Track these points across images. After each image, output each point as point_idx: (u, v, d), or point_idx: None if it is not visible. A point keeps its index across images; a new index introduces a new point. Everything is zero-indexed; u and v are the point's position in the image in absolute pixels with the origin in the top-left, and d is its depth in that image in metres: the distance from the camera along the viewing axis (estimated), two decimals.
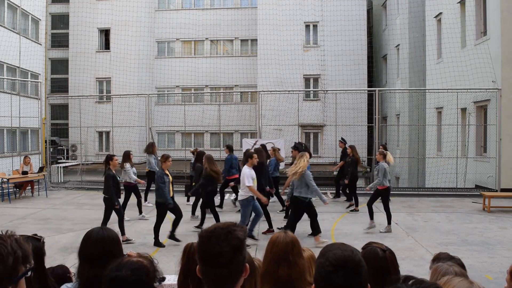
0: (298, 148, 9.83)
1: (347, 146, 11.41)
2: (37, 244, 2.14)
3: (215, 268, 1.43)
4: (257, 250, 6.94)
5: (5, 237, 1.25)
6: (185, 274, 2.30)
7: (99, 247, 2.00)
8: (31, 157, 14.07)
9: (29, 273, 1.29)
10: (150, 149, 11.30)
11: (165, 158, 7.70)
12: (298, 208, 7.47)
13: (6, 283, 1.19)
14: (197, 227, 8.43)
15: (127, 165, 9.48)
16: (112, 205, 7.68)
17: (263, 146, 10.91)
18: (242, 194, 7.51)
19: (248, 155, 7.70)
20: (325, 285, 1.39)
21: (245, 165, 7.64)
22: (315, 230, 7.53)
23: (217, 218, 8.09)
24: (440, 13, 16.20)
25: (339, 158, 12.28)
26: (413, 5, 18.64)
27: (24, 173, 12.61)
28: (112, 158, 7.87)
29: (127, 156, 9.59)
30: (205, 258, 1.45)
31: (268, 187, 9.09)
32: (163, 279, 1.72)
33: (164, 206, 7.47)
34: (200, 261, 1.47)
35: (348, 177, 10.64)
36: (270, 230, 8.17)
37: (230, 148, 10.73)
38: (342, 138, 12.24)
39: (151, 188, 11.07)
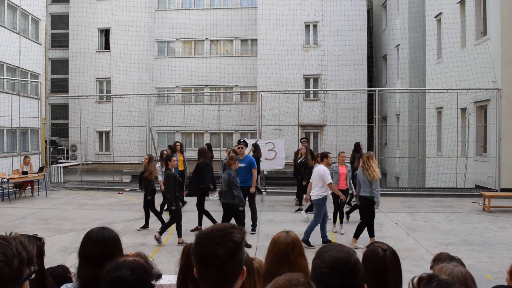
0: (245, 145, 9.58)
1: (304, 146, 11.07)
2: (37, 244, 2.14)
3: (210, 270, 1.42)
4: (257, 251, 6.95)
5: (10, 239, 1.25)
6: (184, 275, 2.30)
7: (99, 247, 2.00)
8: (31, 157, 14.07)
9: (33, 275, 1.30)
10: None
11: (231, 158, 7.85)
12: (368, 207, 7.41)
13: (11, 285, 1.19)
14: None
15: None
16: (171, 205, 7.68)
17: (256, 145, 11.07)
18: (317, 193, 7.49)
19: (323, 155, 7.77)
20: (320, 286, 1.38)
21: (321, 164, 7.69)
22: (367, 232, 7.47)
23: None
24: (440, 13, 16.20)
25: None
26: (413, 5, 18.64)
27: (24, 173, 12.60)
28: (170, 158, 7.93)
29: (161, 156, 9.83)
30: (200, 260, 1.44)
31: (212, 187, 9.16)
32: (160, 276, 1.74)
33: (232, 207, 7.45)
34: (196, 263, 1.46)
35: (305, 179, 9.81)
36: (198, 227, 8.36)
37: (172, 149, 10.90)
38: (303, 138, 12.06)
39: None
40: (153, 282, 1.66)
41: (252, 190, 8.42)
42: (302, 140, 11.58)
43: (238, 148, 8.84)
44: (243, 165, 8.50)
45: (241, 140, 9.17)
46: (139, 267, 1.62)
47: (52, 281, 2.22)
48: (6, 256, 1.18)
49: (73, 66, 23.06)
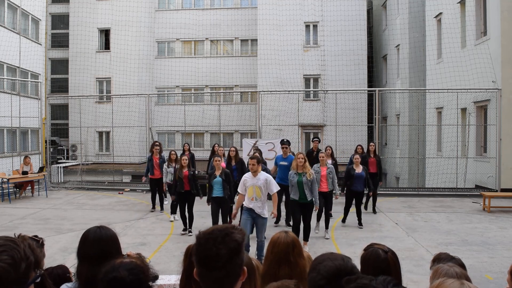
0: (289, 144, 9.59)
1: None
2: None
3: (212, 270, 1.40)
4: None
5: (18, 242, 1.23)
6: (187, 276, 2.30)
7: (97, 247, 1.99)
8: (31, 157, 14.07)
9: (39, 279, 1.28)
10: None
11: None
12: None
13: None
14: None
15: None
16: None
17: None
18: None
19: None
20: None
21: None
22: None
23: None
24: (440, 13, 16.20)
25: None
26: (413, 5, 18.64)
27: (24, 173, 12.60)
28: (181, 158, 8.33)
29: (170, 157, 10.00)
30: (202, 260, 1.42)
31: None
32: (156, 277, 1.74)
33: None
34: (197, 264, 1.44)
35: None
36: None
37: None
38: (316, 137, 12.07)
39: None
40: (150, 283, 1.65)
41: None
42: (314, 140, 11.60)
43: (283, 148, 8.92)
44: (285, 163, 8.61)
45: (285, 140, 9.20)
46: (137, 268, 1.61)
47: (51, 283, 2.21)
48: (14, 259, 1.16)
49: (73, 66, 23.05)
